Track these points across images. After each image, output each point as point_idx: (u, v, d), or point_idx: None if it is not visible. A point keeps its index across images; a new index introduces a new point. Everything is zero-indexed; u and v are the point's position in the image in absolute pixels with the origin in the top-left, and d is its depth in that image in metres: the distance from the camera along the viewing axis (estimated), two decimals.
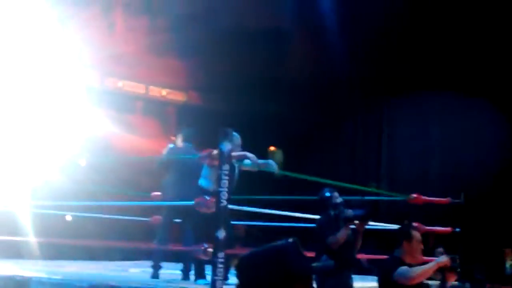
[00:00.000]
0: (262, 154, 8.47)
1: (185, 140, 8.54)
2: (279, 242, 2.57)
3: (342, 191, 7.64)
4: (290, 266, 2.46)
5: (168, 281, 7.92)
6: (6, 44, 11.65)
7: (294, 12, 14.23)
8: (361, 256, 8.07)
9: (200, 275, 7.58)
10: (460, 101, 12.08)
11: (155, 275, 8.16)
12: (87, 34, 12.65)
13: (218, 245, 6.15)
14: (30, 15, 11.86)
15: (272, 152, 9.44)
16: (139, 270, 9.60)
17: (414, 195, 8.74)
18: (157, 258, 8.29)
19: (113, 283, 6.29)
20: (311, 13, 14.09)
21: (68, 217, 11.64)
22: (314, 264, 6.75)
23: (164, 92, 14.77)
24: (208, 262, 6.69)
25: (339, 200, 7.42)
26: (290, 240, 2.57)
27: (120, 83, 14.13)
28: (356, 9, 13.63)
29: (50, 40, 12.38)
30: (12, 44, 11.75)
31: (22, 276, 7.05)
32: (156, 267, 8.22)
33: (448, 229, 9.01)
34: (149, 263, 10.27)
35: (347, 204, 7.39)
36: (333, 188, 7.57)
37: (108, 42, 13.02)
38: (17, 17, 11.73)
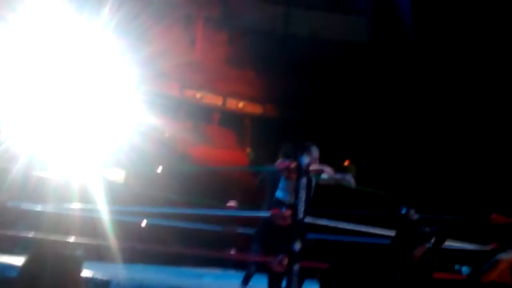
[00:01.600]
0: (337, 167, 8.48)
1: (284, 156, 8.46)
2: (361, 257, 2.61)
3: (419, 209, 7.55)
4: (373, 281, 2.51)
5: None
6: (86, 57, 12.02)
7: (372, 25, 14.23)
8: (439, 275, 7.95)
9: (273, 286, 7.61)
10: None
11: (244, 284, 8.01)
12: (168, 46, 12.95)
13: (293, 257, 6.21)
14: (109, 27, 12.21)
15: (347, 166, 9.41)
16: (212, 277, 9.74)
17: (494, 215, 8.57)
18: (248, 268, 8.15)
19: None
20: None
21: (143, 223, 11.89)
22: None
23: (241, 104, 14.95)
24: (283, 274, 6.74)
25: (415, 217, 7.34)
26: (372, 255, 2.61)
27: (198, 95, 14.40)
28: None
29: (129, 50, 12.73)
30: (91, 56, 12.12)
31: (102, 279, 7.24)
32: (246, 277, 8.10)
33: None
34: (219, 271, 10.43)
35: (424, 222, 7.30)
36: (410, 204, 7.49)
37: (188, 54, 13.32)
38: (96, 30, 12.09)
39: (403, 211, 7.35)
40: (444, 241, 7.31)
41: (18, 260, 6.89)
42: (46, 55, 11.62)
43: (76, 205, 8.48)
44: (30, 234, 8.00)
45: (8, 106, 10.74)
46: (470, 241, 8.40)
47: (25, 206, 8.44)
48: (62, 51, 11.76)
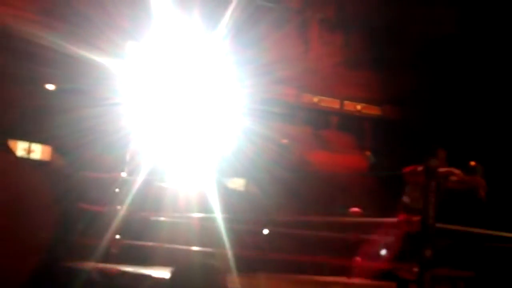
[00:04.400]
0: (464, 169, 8.10)
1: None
2: (502, 264, 2.35)
3: None
4: None
5: None
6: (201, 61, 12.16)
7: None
8: None
9: None
10: None
11: None
12: (284, 51, 12.91)
13: (424, 265, 5.91)
14: (226, 37, 12.30)
15: (474, 167, 8.95)
16: (338, 286, 9.51)
17: None
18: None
19: None
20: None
21: (265, 231, 11.83)
22: None
23: (359, 106, 14.67)
24: (412, 282, 6.43)
25: None
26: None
27: (315, 99, 14.26)
28: None
29: (246, 59, 12.79)
30: (209, 66, 12.26)
31: None
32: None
33: None
34: (344, 279, 10.18)
35: None
36: None
37: (303, 58, 13.21)
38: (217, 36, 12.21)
39: None
40: None
41: (148, 270, 6.98)
42: (164, 67, 11.87)
43: (196, 214, 8.54)
44: (155, 243, 8.12)
45: (134, 118, 11.06)
46: None
47: (149, 215, 8.58)
48: (180, 62, 11.98)
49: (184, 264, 2.77)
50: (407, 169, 6.76)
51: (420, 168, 6.29)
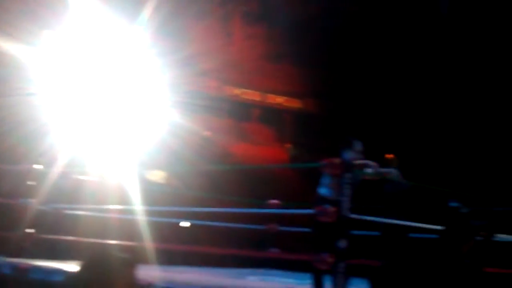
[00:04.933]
0: (380, 161, 8.27)
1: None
2: (412, 254, 2.43)
3: (468, 201, 7.27)
4: (425, 278, 2.34)
5: None
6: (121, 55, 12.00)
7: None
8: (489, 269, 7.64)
9: (318, 285, 7.39)
10: None
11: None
12: (206, 43, 12.86)
13: (339, 255, 6.01)
14: (148, 29, 12.17)
15: (389, 159, 9.16)
16: (257, 278, 9.56)
17: None
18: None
19: None
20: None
21: (184, 224, 11.78)
22: None
23: (280, 99, 14.78)
24: (327, 272, 6.53)
25: (465, 210, 7.07)
26: (424, 251, 2.43)
27: (237, 91, 14.28)
28: None
29: (168, 51, 12.68)
30: (130, 57, 12.10)
31: (144, 281, 7.10)
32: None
33: None
34: (261, 271, 10.24)
35: (473, 215, 7.02)
36: (459, 197, 7.22)
37: (225, 51, 13.20)
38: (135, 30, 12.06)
39: (452, 205, 7.08)
40: (493, 234, 7.02)
41: (61, 264, 6.83)
42: (85, 58, 11.65)
43: (114, 207, 8.41)
44: (70, 237, 7.96)
45: (51, 109, 10.82)
46: None
47: (64, 208, 8.40)
48: (101, 53, 11.77)
49: (94, 257, 2.71)
50: (325, 161, 6.86)
51: (337, 160, 6.39)
